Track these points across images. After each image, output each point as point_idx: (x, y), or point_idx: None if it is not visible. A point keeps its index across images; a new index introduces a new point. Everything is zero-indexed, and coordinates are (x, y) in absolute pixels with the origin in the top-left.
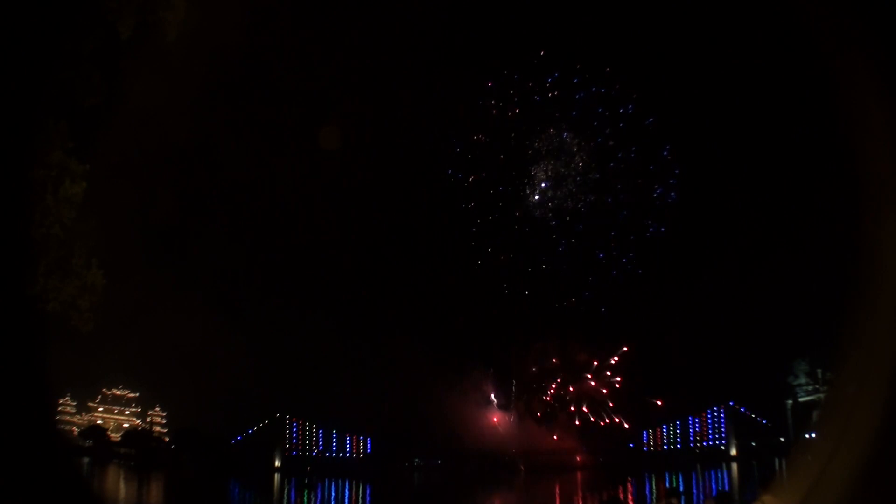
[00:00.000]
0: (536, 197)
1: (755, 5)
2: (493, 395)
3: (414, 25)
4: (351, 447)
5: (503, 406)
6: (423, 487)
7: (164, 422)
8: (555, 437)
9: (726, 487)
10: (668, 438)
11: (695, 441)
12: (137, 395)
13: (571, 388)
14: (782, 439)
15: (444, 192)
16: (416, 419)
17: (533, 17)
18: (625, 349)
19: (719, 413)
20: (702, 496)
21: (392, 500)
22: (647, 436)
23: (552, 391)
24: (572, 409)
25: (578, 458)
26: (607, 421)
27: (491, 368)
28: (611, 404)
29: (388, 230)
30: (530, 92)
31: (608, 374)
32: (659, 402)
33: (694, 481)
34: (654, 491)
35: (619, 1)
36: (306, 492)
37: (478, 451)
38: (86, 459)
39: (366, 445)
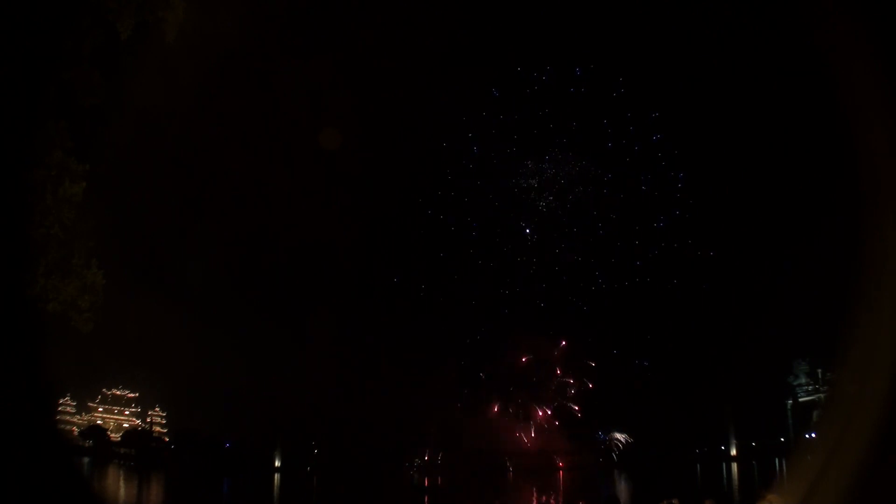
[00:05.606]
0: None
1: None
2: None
3: (413, 26)
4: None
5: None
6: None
7: (164, 422)
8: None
9: (726, 488)
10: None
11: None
12: (137, 395)
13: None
14: (782, 439)
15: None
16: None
17: (532, 16)
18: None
19: (720, 413)
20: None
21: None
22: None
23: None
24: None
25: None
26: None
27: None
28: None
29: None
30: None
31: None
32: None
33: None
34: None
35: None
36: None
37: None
38: (86, 459)
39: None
